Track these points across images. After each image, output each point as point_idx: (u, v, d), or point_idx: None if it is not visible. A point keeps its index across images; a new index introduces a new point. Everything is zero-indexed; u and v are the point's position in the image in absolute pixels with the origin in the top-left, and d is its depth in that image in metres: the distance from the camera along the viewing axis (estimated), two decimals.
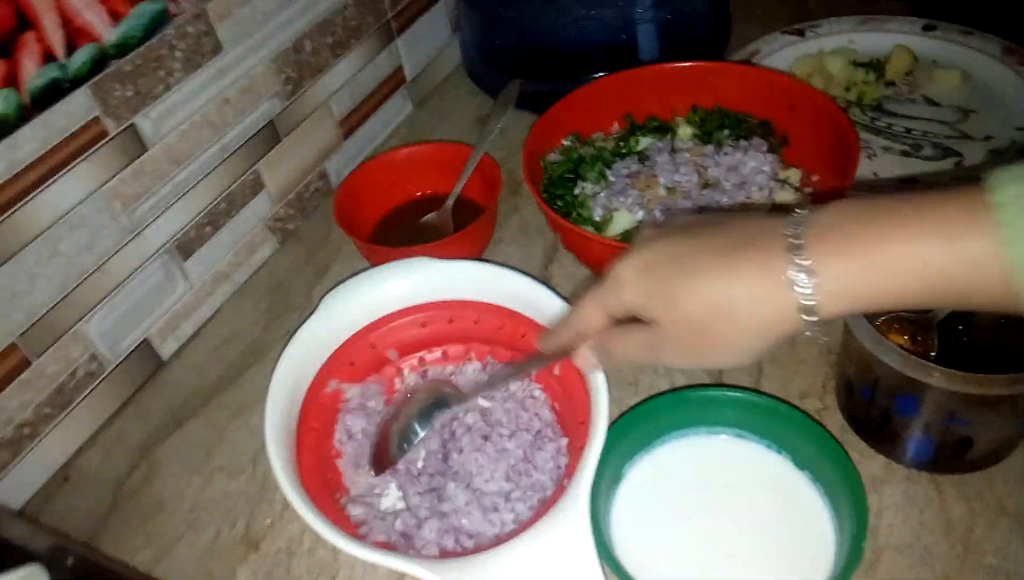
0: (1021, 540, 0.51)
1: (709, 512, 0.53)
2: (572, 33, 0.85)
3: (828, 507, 0.51)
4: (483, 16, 0.90)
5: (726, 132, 0.73)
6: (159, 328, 0.71)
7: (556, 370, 0.58)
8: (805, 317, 0.39)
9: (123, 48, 0.62)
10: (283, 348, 0.58)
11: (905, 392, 0.51)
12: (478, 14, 0.91)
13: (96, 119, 0.61)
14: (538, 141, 0.72)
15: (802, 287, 0.38)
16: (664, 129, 0.75)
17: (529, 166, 0.69)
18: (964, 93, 0.84)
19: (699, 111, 0.76)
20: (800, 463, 0.53)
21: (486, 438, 0.57)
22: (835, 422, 0.58)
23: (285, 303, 0.76)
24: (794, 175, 0.69)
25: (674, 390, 0.61)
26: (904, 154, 0.78)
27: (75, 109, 0.60)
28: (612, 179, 0.70)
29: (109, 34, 0.61)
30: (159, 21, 0.65)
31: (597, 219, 0.67)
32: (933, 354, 0.53)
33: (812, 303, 0.38)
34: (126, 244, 0.66)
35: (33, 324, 0.60)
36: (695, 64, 0.76)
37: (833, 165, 0.67)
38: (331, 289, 0.61)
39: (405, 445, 0.55)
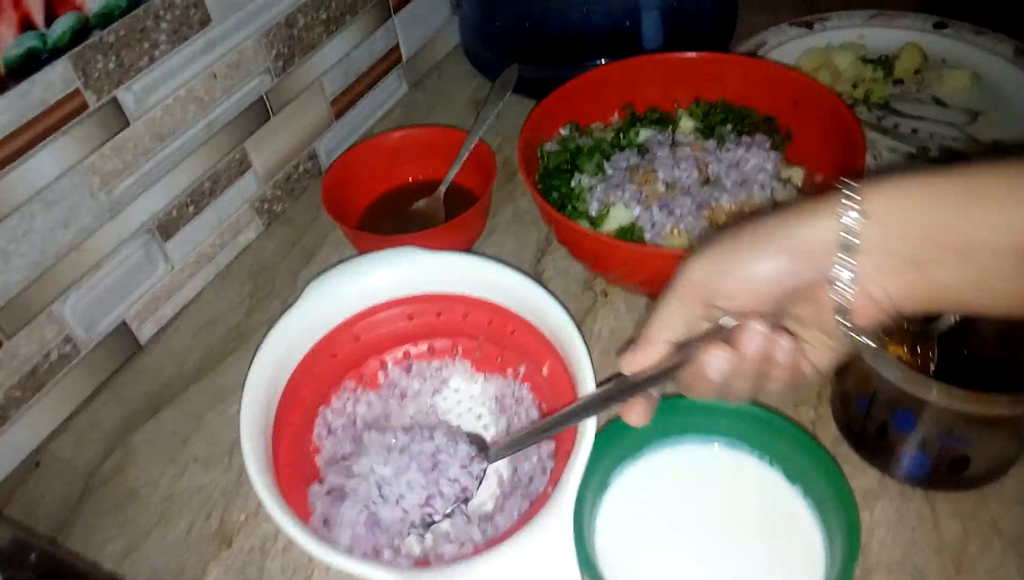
0: (1015, 561, 0.49)
1: (696, 524, 0.51)
2: (574, 18, 0.83)
3: (819, 522, 0.50)
4: None
5: (729, 127, 0.71)
6: (137, 310, 0.69)
7: (544, 370, 0.57)
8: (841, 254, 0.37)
9: (106, 17, 0.60)
10: (264, 336, 0.56)
11: (903, 407, 0.50)
12: None
13: (76, 91, 0.59)
14: (535, 130, 0.70)
15: (850, 220, 0.37)
16: (665, 121, 0.73)
17: (525, 156, 0.67)
18: (974, 94, 0.82)
19: (702, 104, 0.73)
20: (792, 476, 0.52)
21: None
22: (829, 433, 0.57)
23: (270, 287, 0.74)
24: (796, 174, 0.67)
25: (666, 397, 0.59)
26: (910, 157, 0.76)
27: (54, 80, 0.57)
28: (610, 172, 0.68)
29: (92, 2, 0.58)
30: None
31: (593, 214, 0.65)
32: (933, 367, 0.51)
33: (855, 241, 0.37)
34: (105, 223, 0.64)
35: (6, 303, 0.58)
36: (698, 55, 0.73)
37: (837, 165, 0.65)
38: (316, 276, 0.59)
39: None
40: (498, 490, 0.54)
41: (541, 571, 0.43)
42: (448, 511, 0.50)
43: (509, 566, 0.43)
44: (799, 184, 0.67)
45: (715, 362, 0.41)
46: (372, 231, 0.73)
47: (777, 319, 0.42)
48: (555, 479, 0.50)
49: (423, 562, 0.50)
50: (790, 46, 0.88)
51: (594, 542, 0.50)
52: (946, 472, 0.52)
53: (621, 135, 0.72)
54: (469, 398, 0.61)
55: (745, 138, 0.69)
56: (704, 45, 0.83)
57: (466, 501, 0.51)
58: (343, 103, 0.86)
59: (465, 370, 0.62)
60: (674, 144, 0.69)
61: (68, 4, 0.57)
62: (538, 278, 0.71)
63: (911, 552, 0.50)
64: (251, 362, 0.54)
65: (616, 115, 0.76)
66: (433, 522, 0.50)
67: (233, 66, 0.71)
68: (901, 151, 0.76)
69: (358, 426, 0.58)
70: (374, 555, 0.49)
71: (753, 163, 0.66)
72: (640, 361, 0.44)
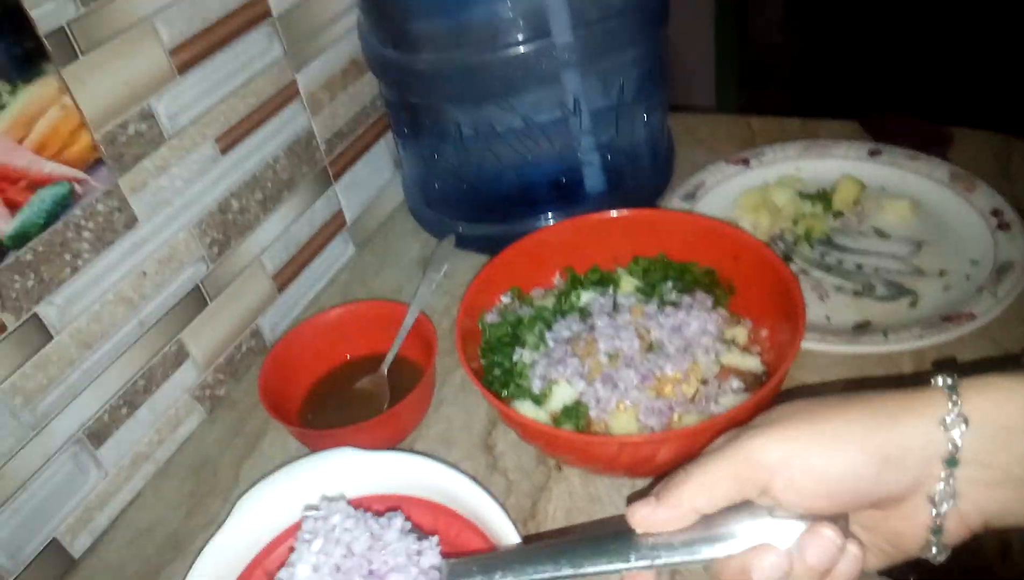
0: None
1: None
2: (511, 177, 0.83)
3: None
4: (422, 162, 0.87)
5: (669, 284, 0.70)
6: (69, 524, 0.65)
7: None
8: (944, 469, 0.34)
9: (22, 238, 0.59)
10: (198, 553, 0.52)
11: None
12: (416, 160, 0.89)
13: None
14: (475, 302, 0.69)
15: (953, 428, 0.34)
16: (606, 281, 0.72)
17: (464, 332, 0.66)
18: (915, 223, 0.82)
19: (641, 261, 0.72)
20: None
21: None
22: None
23: (211, 483, 0.71)
24: (740, 334, 0.65)
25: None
26: (856, 294, 0.75)
27: None
28: (552, 344, 0.66)
29: (6, 225, 0.57)
30: (63, 204, 0.61)
31: (536, 391, 0.63)
32: None
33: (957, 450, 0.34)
34: (29, 441, 0.61)
35: None
36: (635, 212, 0.73)
37: (781, 315, 0.64)
38: (245, 492, 0.56)
39: None
40: None
41: None
42: None
43: None
44: (743, 343, 0.65)
45: (767, 569, 0.36)
46: (316, 415, 0.71)
47: (840, 521, 0.37)
48: None
49: None
50: (728, 185, 0.89)
51: None
52: None
53: (563, 299, 0.71)
54: None
55: (686, 298, 0.68)
56: (645, 187, 0.83)
57: None
58: (287, 275, 0.85)
59: None
60: (615, 308, 0.68)
61: None
62: (489, 452, 0.69)
63: None
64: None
65: (558, 276, 0.75)
66: None
67: (164, 261, 0.70)
68: (847, 290, 0.76)
69: None
70: None
71: (695, 326, 0.64)
72: (658, 521, 0.38)
